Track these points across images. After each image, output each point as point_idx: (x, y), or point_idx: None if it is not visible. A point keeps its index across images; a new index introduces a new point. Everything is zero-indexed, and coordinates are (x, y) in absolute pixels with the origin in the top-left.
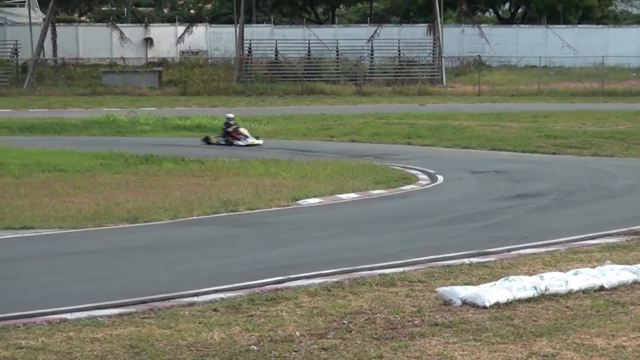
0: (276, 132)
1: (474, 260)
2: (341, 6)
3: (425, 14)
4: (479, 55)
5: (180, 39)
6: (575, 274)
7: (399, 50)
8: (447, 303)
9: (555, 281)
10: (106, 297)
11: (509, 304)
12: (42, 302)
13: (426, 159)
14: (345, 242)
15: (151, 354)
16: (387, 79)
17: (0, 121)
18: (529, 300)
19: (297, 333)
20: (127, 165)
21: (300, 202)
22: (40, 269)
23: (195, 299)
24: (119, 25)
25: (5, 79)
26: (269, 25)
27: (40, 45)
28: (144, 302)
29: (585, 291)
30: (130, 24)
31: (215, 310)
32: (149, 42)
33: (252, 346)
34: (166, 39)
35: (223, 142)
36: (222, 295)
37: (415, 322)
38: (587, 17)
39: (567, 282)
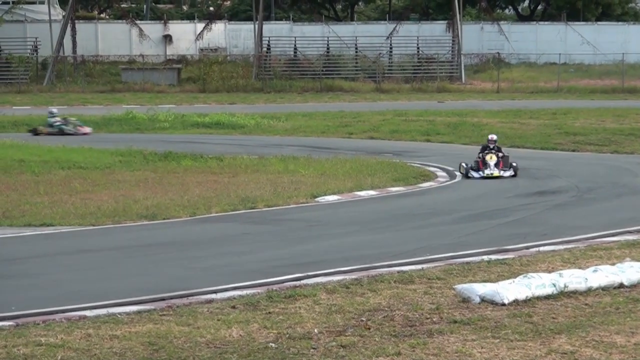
0: (295, 129)
1: (493, 257)
2: (360, 3)
3: (444, 11)
4: (498, 53)
5: (199, 36)
6: (595, 271)
7: (418, 48)
8: (465, 300)
9: (575, 278)
10: (125, 294)
11: (527, 302)
12: (61, 299)
13: (445, 156)
14: (363, 239)
15: (169, 351)
16: (406, 76)
17: (20, 118)
18: (547, 297)
19: (315, 330)
20: (146, 162)
21: (318, 199)
22: (59, 266)
23: (213, 296)
24: (138, 22)
25: (25, 76)
26: (287, 22)
27: (60, 43)
28: (162, 299)
29: (604, 288)
30: (149, 21)
31: (233, 307)
32: (168, 39)
33: (271, 343)
34: (185, 36)
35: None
36: (240, 292)
37: (434, 320)
38: (606, 14)
39: (586, 279)
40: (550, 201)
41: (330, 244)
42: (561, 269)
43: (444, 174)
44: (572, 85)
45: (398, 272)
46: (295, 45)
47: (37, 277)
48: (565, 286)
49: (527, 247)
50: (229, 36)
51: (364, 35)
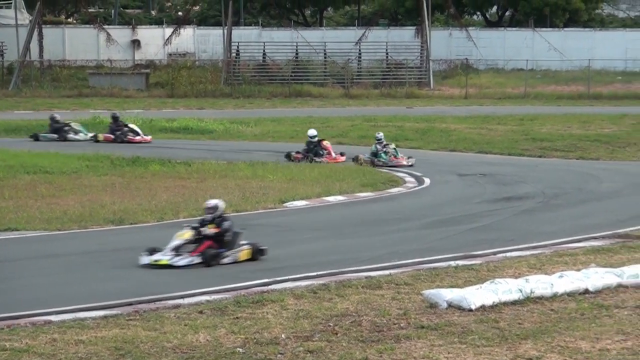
0: (264, 135)
1: (460, 263)
2: (329, 9)
3: (413, 17)
4: (466, 59)
5: (167, 41)
6: (561, 276)
7: (387, 53)
8: (433, 306)
9: (541, 284)
10: (91, 299)
11: (494, 307)
12: (26, 304)
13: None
14: (331, 244)
15: (136, 356)
16: (375, 82)
17: None
18: (514, 303)
19: (282, 335)
20: (114, 167)
21: (287, 204)
22: (24, 270)
23: (180, 301)
24: (106, 27)
25: None
26: (256, 27)
27: (27, 47)
28: (129, 303)
29: (570, 294)
30: (117, 26)
31: (200, 312)
32: (136, 44)
33: (238, 348)
34: (154, 41)
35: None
36: (208, 297)
37: (401, 325)
38: (573, 20)
39: (552, 285)
40: (517, 207)
41: (298, 249)
42: (527, 275)
43: (412, 179)
44: (539, 91)
45: (366, 277)
46: (264, 51)
47: (1, 282)
48: (532, 292)
49: (494, 253)
50: (198, 41)
51: (333, 40)
